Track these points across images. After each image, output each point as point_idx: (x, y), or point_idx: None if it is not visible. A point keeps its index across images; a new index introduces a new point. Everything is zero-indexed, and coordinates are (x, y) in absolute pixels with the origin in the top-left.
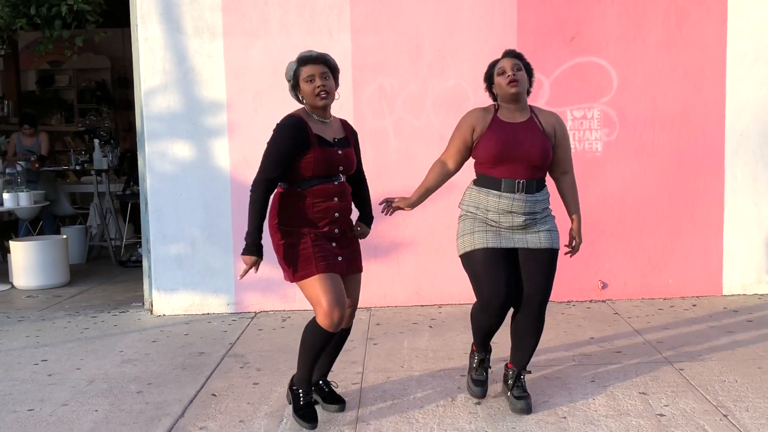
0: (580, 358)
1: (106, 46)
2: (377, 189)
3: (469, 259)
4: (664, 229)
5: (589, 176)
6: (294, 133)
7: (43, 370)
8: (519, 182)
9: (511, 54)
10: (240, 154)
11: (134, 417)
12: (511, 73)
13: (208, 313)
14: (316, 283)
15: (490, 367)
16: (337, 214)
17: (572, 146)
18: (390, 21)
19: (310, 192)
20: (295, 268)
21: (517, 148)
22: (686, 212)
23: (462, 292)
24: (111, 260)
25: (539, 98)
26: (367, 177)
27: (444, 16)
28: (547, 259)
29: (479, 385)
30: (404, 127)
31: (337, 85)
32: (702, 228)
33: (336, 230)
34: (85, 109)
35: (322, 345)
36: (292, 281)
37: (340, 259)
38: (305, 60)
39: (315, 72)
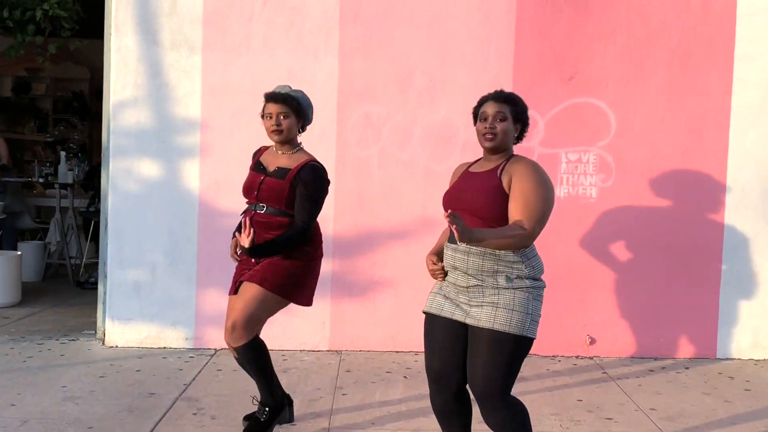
0: (569, 424)
1: (86, 57)
2: (359, 221)
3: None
4: (657, 284)
5: (581, 223)
6: (252, 156)
7: None
8: None
9: (498, 98)
10: (212, 177)
11: None
12: (491, 124)
13: (164, 347)
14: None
15: None
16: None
17: (565, 191)
18: (381, 46)
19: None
20: None
21: (460, 194)
22: (682, 267)
23: None
24: (68, 280)
25: (533, 138)
26: (349, 208)
27: (437, 44)
28: (487, 341)
29: None
30: (389, 159)
31: (303, 120)
32: (698, 285)
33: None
34: (59, 120)
35: None
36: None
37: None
38: (267, 97)
39: (273, 111)
